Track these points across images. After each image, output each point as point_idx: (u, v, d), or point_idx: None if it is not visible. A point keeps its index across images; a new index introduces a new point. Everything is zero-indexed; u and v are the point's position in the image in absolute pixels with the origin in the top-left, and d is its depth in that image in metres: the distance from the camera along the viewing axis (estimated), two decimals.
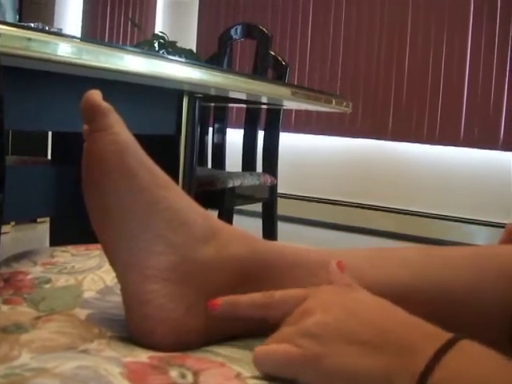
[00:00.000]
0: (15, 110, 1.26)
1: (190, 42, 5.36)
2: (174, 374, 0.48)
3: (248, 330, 0.60)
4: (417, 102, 4.51)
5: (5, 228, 3.79)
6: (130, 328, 0.58)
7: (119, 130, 0.61)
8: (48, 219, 2.57)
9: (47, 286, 0.72)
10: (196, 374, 0.49)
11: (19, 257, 0.84)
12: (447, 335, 0.47)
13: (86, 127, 0.61)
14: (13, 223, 3.97)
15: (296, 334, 0.51)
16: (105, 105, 0.61)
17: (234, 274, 0.60)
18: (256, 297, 0.57)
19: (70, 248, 0.89)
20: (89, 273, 0.76)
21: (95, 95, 0.61)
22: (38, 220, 4.14)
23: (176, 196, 0.61)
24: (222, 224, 0.63)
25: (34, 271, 0.77)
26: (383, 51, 4.64)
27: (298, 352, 0.49)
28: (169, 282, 0.57)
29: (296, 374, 0.50)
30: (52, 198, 1.57)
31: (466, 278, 0.60)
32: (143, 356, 0.52)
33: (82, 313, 0.63)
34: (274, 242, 0.66)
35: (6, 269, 0.78)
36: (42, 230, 3.95)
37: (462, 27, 4.32)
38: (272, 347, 0.51)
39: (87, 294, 0.69)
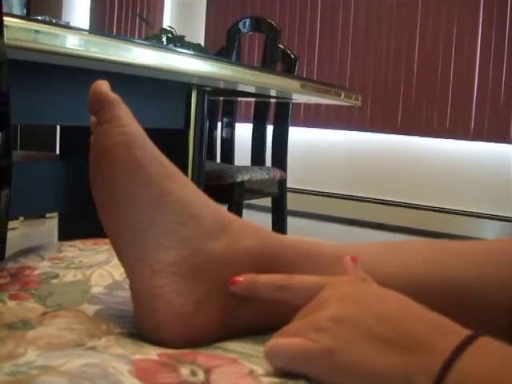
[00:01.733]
0: (22, 104, 1.25)
1: (198, 37, 5.35)
2: (184, 371, 0.47)
3: (259, 325, 0.58)
4: (426, 95, 4.49)
5: (14, 223, 3.80)
6: (138, 324, 0.57)
7: (127, 121, 0.59)
8: (57, 214, 2.56)
9: (54, 281, 0.71)
10: (207, 371, 0.47)
11: (26, 252, 0.83)
12: (466, 332, 0.45)
13: (93, 119, 0.60)
14: (21, 218, 3.97)
15: (309, 328, 0.49)
16: (112, 95, 0.59)
17: (245, 268, 0.58)
18: (275, 277, 0.56)
19: (77, 243, 0.87)
20: (97, 268, 0.75)
21: (103, 85, 0.60)
22: (47, 215, 4.14)
23: (186, 188, 0.60)
24: (232, 217, 0.62)
25: (42, 266, 0.76)
26: (392, 44, 4.62)
27: (312, 346, 0.48)
28: (178, 276, 0.55)
29: (308, 369, 0.48)
30: (60, 192, 1.56)
31: (480, 274, 0.59)
32: (153, 353, 0.50)
33: (89, 308, 0.62)
34: (286, 236, 0.64)
35: (13, 264, 0.77)
36: (50, 225, 3.95)
37: (472, 20, 4.29)
38: (285, 341, 0.50)
39: (95, 290, 0.68)
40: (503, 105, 4.21)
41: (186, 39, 4.55)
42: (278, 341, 0.50)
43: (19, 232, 3.77)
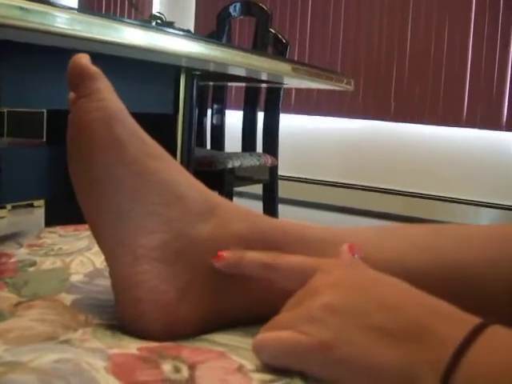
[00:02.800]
0: (7, 88, 1.22)
1: (188, 23, 5.29)
2: (166, 367, 0.42)
3: (249, 316, 0.54)
4: (419, 82, 4.45)
5: (1, 212, 3.75)
6: (119, 314, 0.53)
7: (107, 95, 0.55)
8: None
9: (31, 269, 0.67)
10: (192, 367, 0.42)
11: (5, 239, 0.79)
12: (474, 320, 0.41)
13: (72, 94, 0.56)
14: (9, 207, 3.92)
15: (300, 319, 0.45)
16: (93, 68, 0.55)
17: None
18: (264, 255, 0.53)
19: (58, 229, 0.83)
20: (77, 255, 0.71)
21: (83, 58, 0.55)
22: (35, 204, 4.08)
23: (170, 168, 0.55)
24: (221, 199, 0.57)
25: (19, 253, 0.72)
26: (385, 30, 4.57)
27: (304, 339, 0.43)
28: (161, 262, 0.51)
29: (301, 364, 0.44)
30: (47, 179, 1.53)
31: (484, 257, 0.55)
32: (132, 347, 0.46)
33: (67, 298, 0.58)
34: (278, 219, 0.60)
35: None
36: (38, 214, 3.90)
37: (465, 5, 4.25)
38: (274, 334, 0.45)
39: (74, 278, 0.64)
40: (496, 92, 4.18)
41: (176, 25, 4.49)
42: (266, 335, 0.46)
43: (7, 221, 3.72)
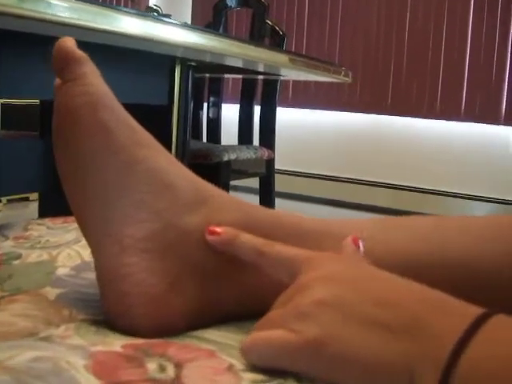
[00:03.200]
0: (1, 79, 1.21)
1: (185, 16, 5.27)
2: (151, 366, 0.39)
3: (241, 311, 0.52)
4: (417, 76, 4.43)
5: None
6: (104, 309, 0.50)
7: (93, 80, 0.52)
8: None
9: (16, 262, 0.64)
10: (178, 365, 0.40)
11: None
12: (476, 311, 0.38)
13: (57, 81, 0.53)
14: (4, 201, 3.89)
15: (291, 316, 0.42)
16: (79, 52, 0.53)
17: None
18: (257, 239, 0.51)
19: (46, 221, 0.81)
20: (65, 247, 0.68)
21: (68, 42, 0.53)
22: (31, 198, 4.05)
23: (159, 156, 0.53)
24: (213, 189, 0.55)
25: (4, 246, 0.69)
26: (383, 22, 4.55)
27: (294, 338, 0.41)
28: (149, 253, 0.49)
29: (294, 364, 0.41)
30: (41, 172, 1.51)
31: (490, 249, 0.53)
32: (117, 344, 0.43)
33: (52, 292, 0.55)
34: (274, 210, 0.58)
35: None
36: (33, 207, 3.87)
37: None
38: (263, 335, 0.43)
39: (61, 271, 0.61)
40: (494, 86, 4.17)
41: (173, 18, 4.46)
42: (255, 335, 0.44)
43: (1, 215, 3.69)
